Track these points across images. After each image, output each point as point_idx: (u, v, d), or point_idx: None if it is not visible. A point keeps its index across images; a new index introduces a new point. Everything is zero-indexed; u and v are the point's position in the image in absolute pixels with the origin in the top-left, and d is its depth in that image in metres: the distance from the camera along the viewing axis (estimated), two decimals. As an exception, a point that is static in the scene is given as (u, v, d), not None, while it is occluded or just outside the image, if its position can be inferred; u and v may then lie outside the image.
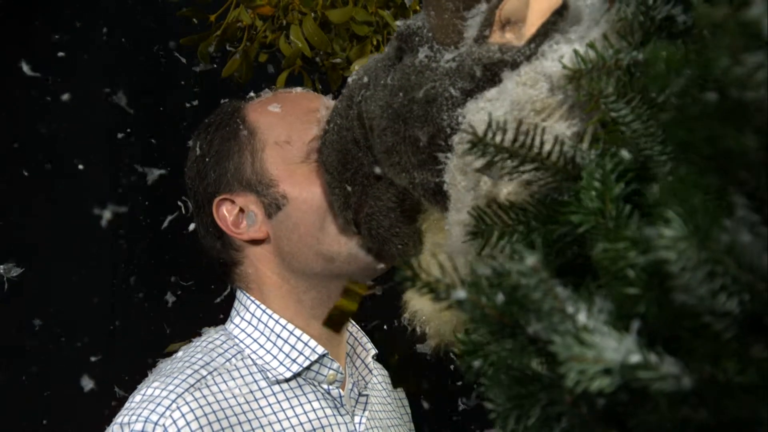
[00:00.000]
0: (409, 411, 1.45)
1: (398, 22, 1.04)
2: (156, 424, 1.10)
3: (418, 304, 1.07)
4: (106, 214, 1.95)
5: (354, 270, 1.23)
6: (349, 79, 1.12)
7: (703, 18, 0.56)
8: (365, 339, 1.36)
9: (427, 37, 0.99)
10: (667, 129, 0.58)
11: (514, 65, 0.88)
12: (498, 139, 0.69)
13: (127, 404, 1.15)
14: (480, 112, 0.87)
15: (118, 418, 1.12)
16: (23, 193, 1.91)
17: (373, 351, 1.34)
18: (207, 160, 1.26)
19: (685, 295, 0.51)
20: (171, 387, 1.14)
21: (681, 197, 0.52)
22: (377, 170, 1.08)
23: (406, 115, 0.98)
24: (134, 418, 1.11)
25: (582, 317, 0.53)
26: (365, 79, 1.08)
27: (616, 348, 0.52)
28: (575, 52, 0.78)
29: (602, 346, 0.52)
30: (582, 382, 0.52)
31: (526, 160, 0.71)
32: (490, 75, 0.90)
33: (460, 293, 0.54)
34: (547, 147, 0.71)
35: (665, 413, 0.52)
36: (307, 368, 1.23)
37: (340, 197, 1.15)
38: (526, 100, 0.84)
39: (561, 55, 0.83)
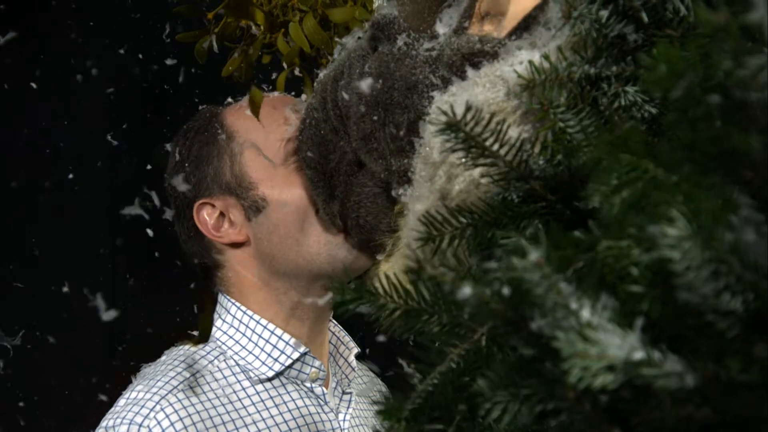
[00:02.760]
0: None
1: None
2: (140, 426, 1.10)
3: (380, 274, 1.07)
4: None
5: (334, 271, 1.23)
6: (320, 75, 1.13)
7: (704, 21, 0.56)
8: (348, 338, 1.36)
9: (404, 26, 0.99)
10: (673, 129, 0.59)
11: (494, 56, 0.89)
12: (471, 126, 0.70)
13: (112, 408, 1.15)
14: (445, 105, 0.88)
15: (103, 422, 1.13)
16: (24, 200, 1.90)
17: (356, 350, 1.35)
18: (186, 165, 1.26)
19: (689, 293, 0.51)
20: (155, 389, 1.14)
21: (685, 196, 0.53)
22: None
23: (386, 102, 0.99)
24: (119, 421, 1.11)
25: (586, 314, 0.53)
26: (338, 71, 1.08)
27: (620, 345, 0.52)
28: (530, 62, 0.79)
29: (606, 343, 0.52)
30: (585, 379, 0.52)
31: (485, 154, 0.72)
32: (469, 65, 0.91)
33: (466, 288, 0.54)
34: (508, 142, 0.72)
35: (668, 411, 0.52)
36: (289, 367, 1.23)
37: (324, 191, 1.14)
38: (483, 101, 0.85)
39: (521, 60, 0.84)
